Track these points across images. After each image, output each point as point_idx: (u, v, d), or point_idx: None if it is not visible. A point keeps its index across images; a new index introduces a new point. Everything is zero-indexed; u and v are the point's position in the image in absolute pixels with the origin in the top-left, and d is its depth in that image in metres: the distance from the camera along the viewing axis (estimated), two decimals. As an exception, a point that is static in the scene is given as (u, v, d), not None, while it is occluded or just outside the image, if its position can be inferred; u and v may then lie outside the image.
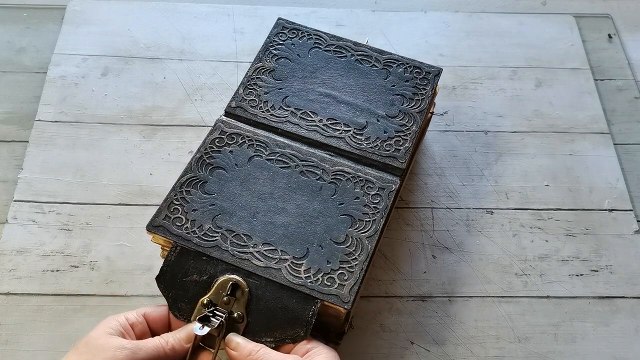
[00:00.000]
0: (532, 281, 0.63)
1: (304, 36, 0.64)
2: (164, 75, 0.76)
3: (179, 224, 0.51)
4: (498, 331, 0.60)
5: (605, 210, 0.68)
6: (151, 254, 0.62)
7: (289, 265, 0.50)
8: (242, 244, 0.51)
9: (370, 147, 0.57)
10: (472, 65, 0.79)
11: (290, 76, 0.61)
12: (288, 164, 0.56)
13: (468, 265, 0.64)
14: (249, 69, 0.62)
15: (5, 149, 0.69)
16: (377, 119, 0.59)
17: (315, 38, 0.64)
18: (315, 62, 0.62)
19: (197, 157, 0.55)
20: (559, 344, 0.59)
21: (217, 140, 0.57)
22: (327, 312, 0.50)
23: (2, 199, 0.66)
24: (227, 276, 0.49)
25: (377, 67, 0.62)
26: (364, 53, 0.63)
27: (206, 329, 0.47)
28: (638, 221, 0.68)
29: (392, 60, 0.63)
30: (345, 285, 0.49)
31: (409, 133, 0.58)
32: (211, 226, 0.51)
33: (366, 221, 0.53)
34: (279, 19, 0.65)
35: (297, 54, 0.63)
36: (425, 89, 0.61)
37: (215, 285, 0.49)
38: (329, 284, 0.49)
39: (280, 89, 0.60)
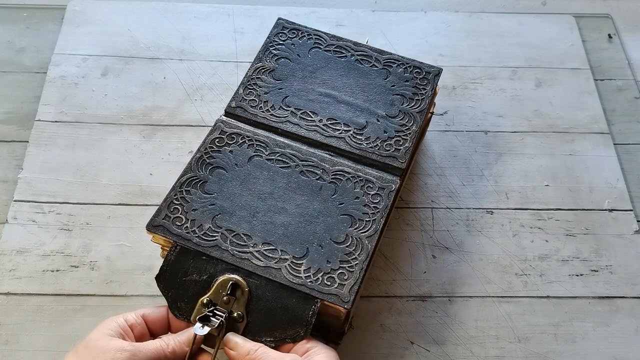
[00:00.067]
0: (532, 281, 0.63)
1: (304, 36, 0.64)
2: (164, 75, 0.76)
3: (179, 224, 0.51)
4: (498, 331, 0.60)
5: (605, 210, 0.68)
6: (151, 254, 0.62)
7: (288, 264, 0.50)
8: (242, 243, 0.51)
9: (370, 147, 0.57)
10: (472, 65, 0.79)
11: (290, 76, 0.61)
12: (288, 163, 0.56)
13: (468, 265, 0.64)
14: (249, 69, 0.62)
15: (5, 149, 0.70)
16: (377, 119, 0.59)
17: (315, 38, 0.64)
18: (315, 62, 0.62)
19: (197, 157, 0.55)
20: (559, 344, 0.59)
21: (217, 140, 0.57)
22: (327, 312, 0.50)
23: (2, 199, 0.66)
24: (227, 276, 0.49)
25: (377, 67, 0.62)
26: (364, 53, 0.63)
27: (206, 329, 0.46)
28: (638, 221, 0.68)
29: (392, 60, 0.63)
30: (345, 284, 0.49)
31: (409, 133, 0.58)
32: (211, 226, 0.51)
33: (366, 221, 0.53)
34: (279, 19, 0.65)
35: (297, 54, 0.63)
36: (425, 89, 0.61)
37: (215, 285, 0.49)
38: (328, 283, 0.49)
39: (280, 89, 0.60)
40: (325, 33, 0.65)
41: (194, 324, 0.47)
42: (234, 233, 0.51)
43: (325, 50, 0.63)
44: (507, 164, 0.71)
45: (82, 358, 0.44)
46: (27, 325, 0.58)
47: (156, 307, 0.50)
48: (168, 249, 0.51)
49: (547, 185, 0.70)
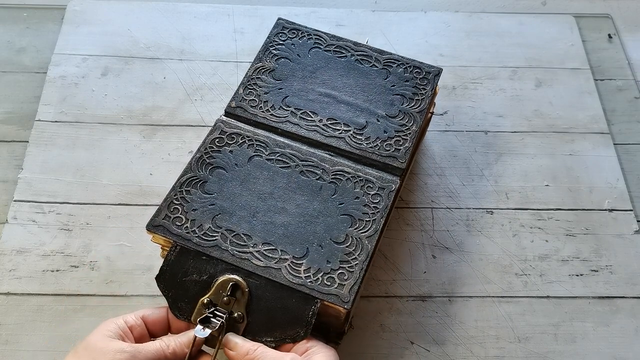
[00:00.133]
0: (532, 281, 0.63)
1: (304, 36, 0.64)
2: (164, 75, 0.76)
3: (179, 224, 0.51)
4: (498, 331, 0.60)
5: (605, 210, 0.68)
6: (151, 254, 0.62)
7: (288, 265, 0.50)
8: (242, 243, 0.51)
9: (370, 147, 0.57)
10: (472, 65, 0.79)
11: (290, 76, 0.61)
12: (288, 163, 0.56)
13: (468, 265, 0.64)
14: (249, 69, 0.62)
15: (5, 149, 0.70)
16: (377, 119, 0.59)
17: (315, 38, 0.64)
18: (315, 62, 0.62)
19: (197, 157, 0.55)
20: (559, 344, 0.59)
21: (217, 140, 0.57)
22: (327, 312, 0.50)
23: (2, 199, 0.66)
24: (227, 276, 0.49)
25: (377, 67, 0.62)
26: (364, 53, 0.63)
27: (207, 331, 0.46)
28: (638, 221, 0.68)
29: (392, 60, 0.63)
30: (345, 285, 0.49)
31: (409, 133, 0.58)
32: (211, 226, 0.51)
33: (366, 221, 0.53)
34: (279, 19, 0.65)
35: (297, 54, 0.63)
36: (425, 89, 0.61)
37: (215, 285, 0.49)
38: (328, 283, 0.49)
39: (280, 89, 0.60)
40: (325, 33, 0.65)
41: (195, 324, 0.47)
42: (234, 233, 0.51)
43: (325, 50, 0.63)
44: (507, 164, 0.71)
45: (82, 359, 0.44)
46: (27, 325, 0.58)
47: (156, 307, 0.50)
48: (168, 249, 0.51)
49: (547, 185, 0.70)
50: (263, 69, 0.62)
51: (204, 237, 0.51)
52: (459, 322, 0.60)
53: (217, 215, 0.52)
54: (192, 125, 0.72)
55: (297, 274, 0.49)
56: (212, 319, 0.47)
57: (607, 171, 0.71)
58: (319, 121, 0.58)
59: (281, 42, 0.64)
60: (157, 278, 0.50)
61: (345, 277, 0.49)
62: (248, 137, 0.57)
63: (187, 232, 0.51)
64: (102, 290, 0.60)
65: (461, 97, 0.76)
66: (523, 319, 0.61)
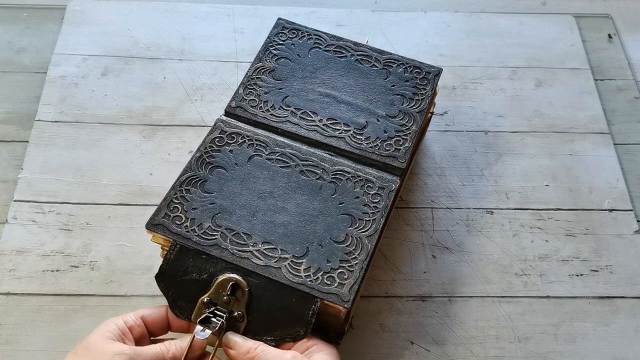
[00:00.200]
0: (532, 281, 0.63)
1: (304, 36, 0.64)
2: (164, 75, 0.76)
3: (179, 223, 0.51)
4: (498, 331, 0.60)
5: (605, 210, 0.68)
6: (151, 254, 0.62)
7: (288, 264, 0.50)
8: (241, 242, 0.51)
9: (370, 147, 0.57)
10: (472, 65, 0.79)
11: (290, 76, 0.61)
12: (288, 163, 0.56)
13: (468, 265, 0.64)
14: (249, 69, 0.62)
15: (5, 149, 0.70)
16: (377, 119, 0.59)
17: (315, 38, 0.64)
18: (315, 62, 0.62)
19: (197, 156, 0.55)
20: (559, 344, 0.59)
21: (217, 139, 0.57)
22: (327, 312, 0.50)
23: (2, 199, 0.66)
24: (227, 275, 0.49)
25: (377, 67, 0.62)
26: (364, 53, 0.63)
27: (207, 332, 0.46)
28: (638, 221, 0.68)
29: (392, 60, 0.63)
30: (345, 284, 0.49)
31: (409, 133, 0.58)
32: (211, 225, 0.51)
33: (366, 220, 0.53)
34: (279, 19, 0.65)
35: (297, 54, 0.63)
36: (425, 89, 0.61)
37: (215, 284, 0.49)
38: (328, 282, 0.49)
39: (280, 89, 0.60)
40: (325, 33, 0.65)
41: (195, 323, 0.47)
42: (234, 232, 0.51)
43: (325, 50, 0.63)
44: (507, 164, 0.71)
45: (82, 359, 0.44)
46: (27, 325, 0.58)
47: (155, 307, 0.50)
48: (168, 248, 0.51)
49: (547, 185, 0.70)
50: (263, 69, 0.62)
51: (203, 236, 0.51)
52: (459, 322, 0.60)
53: (217, 214, 0.52)
54: (192, 125, 0.72)
55: (297, 273, 0.49)
56: (212, 319, 0.47)
57: (607, 171, 0.71)
58: (319, 121, 0.58)
59: (281, 42, 0.64)
60: (157, 277, 0.50)
61: (345, 277, 0.49)
62: (248, 136, 0.57)
63: (186, 231, 0.51)
64: (102, 290, 0.60)
65: (461, 97, 0.76)
66: (523, 319, 0.61)
